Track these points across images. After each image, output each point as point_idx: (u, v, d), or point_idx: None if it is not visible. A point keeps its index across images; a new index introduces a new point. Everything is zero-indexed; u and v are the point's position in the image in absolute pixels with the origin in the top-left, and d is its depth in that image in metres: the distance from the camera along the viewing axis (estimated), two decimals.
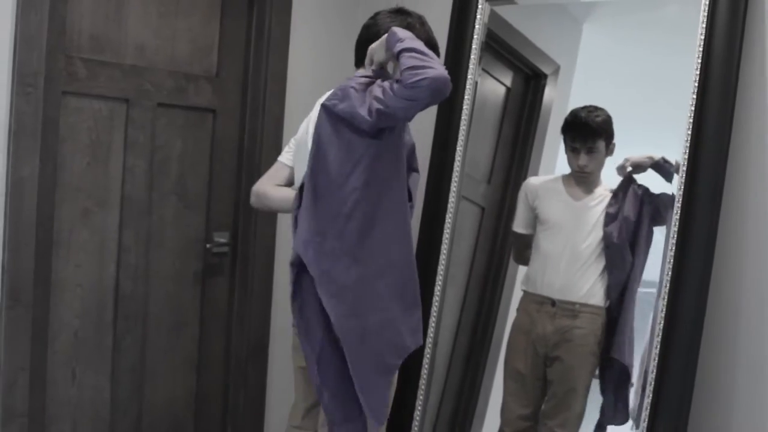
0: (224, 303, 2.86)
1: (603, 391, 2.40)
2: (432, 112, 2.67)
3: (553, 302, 2.44)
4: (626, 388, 2.34)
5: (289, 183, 2.23)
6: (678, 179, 2.20)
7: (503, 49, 2.71)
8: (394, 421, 2.43)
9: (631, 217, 2.36)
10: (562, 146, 2.48)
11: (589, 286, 2.39)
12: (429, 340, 2.59)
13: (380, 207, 1.93)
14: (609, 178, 2.42)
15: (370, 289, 1.95)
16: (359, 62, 2.13)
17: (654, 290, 2.23)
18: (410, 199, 2.03)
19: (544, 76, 2.70)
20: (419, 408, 2.60)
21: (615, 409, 2.37)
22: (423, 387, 2.60)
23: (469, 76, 2.63)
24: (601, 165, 2.43)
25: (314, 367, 1.98)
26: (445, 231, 2.62)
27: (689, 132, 2.19)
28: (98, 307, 2.54)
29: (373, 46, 2.00)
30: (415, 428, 2.60)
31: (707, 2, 2.20)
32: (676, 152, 2.22)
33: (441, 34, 2.38)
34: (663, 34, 2.38)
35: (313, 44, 2.93)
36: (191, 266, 2.76)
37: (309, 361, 2.00)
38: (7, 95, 2.21)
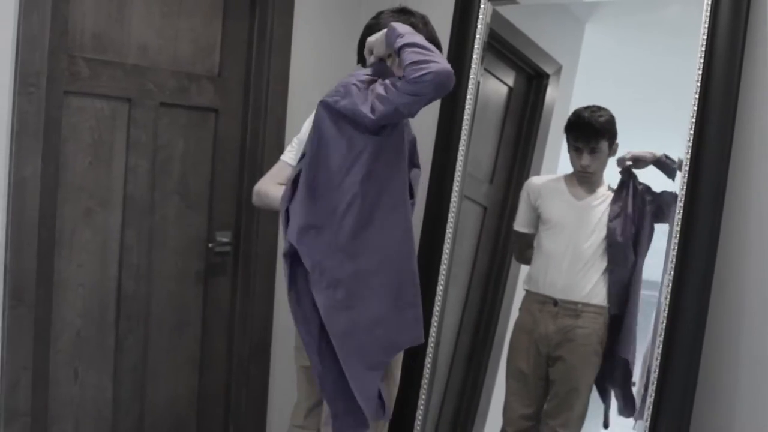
0: (226, 302, 2.86)
1: (604, 391, 2.41)
2: (434, 111, 2.68)
3: (555, 302, 2.44)
4: (629, 386, 2.34)
5: None
6: (681, 179, 2.21)
7: (505, 48, 2.71)
8: (397, 420, 2.43)
9: (634, 215, 2.36)
10: (564, 146, 2.48)
11: (591, 286, 2.40)
12: (431, 339, 2.59)
13: (379, 203, 1.92)
14: (611, 178, 2.42)
15: (364, 285, 1.93)
16: (361, 62, 2.12)
17: (656, 293, 2.24)
18: (412, 195, 2.02)
19: (547, 76, 2.70)
20: (421, 407, 2.60)
21: (623, 403, 2.37)
22: (425, 386, 2.60)
23: (471, 76, 2.63)
24: (603, 165, 2.43)
25: (315, 357, 1.97)
26: (447, 230, 2.62)
27: (691, 132, 2.19)
28: (100, 306, 2.54)
29: (373, 38, 1.99)
30: (418, 427, 2.60)
31: (709, 3, 2.20)
32: (679, 152, 2.22)
33: (443, 33, 2.37)
34: (665, 35, 2.38)
35: (315, 44, 2.93)
36: (193, 266, 2.76)
37: (310, 351, 1.97)
38: (9, 95, 2.21)
